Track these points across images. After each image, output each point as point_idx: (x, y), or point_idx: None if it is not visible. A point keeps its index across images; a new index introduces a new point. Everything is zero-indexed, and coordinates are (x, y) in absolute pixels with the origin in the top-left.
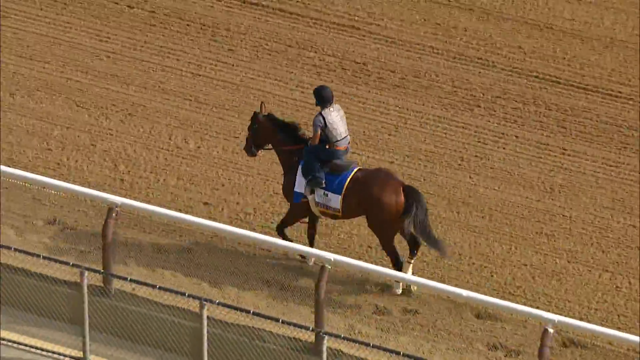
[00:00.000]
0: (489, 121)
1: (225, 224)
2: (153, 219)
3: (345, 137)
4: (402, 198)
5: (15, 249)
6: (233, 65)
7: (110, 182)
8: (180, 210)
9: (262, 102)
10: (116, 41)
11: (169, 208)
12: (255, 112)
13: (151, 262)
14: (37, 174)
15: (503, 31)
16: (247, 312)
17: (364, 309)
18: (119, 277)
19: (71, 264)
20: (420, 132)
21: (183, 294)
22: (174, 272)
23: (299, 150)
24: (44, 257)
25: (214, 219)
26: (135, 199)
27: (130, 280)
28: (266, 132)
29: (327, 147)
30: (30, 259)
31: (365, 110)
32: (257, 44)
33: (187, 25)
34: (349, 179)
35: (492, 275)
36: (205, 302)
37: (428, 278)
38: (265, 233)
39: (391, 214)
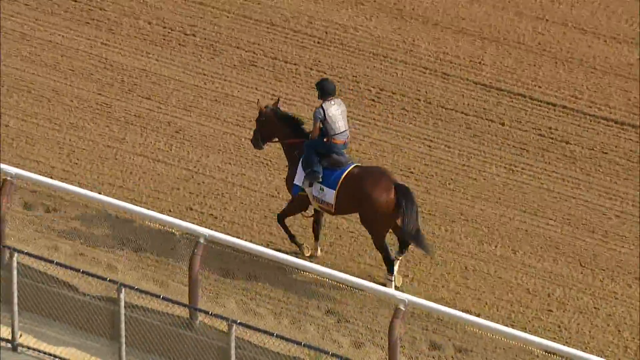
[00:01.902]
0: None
1: None
2: None
3: (344, 131)
4: (392, 196)
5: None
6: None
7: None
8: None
9: (278, 98)
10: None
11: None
12: (262, 106)
13: None
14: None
15: (503, 55)
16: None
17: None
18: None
19: (108, 279)
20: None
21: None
22: None
23: (301, 145)
24: (84, 272)
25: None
26: None
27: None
28: (271, 125)
29: (325, 140)
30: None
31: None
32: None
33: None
34: (344, 175)
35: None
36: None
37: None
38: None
39: (381, 211)
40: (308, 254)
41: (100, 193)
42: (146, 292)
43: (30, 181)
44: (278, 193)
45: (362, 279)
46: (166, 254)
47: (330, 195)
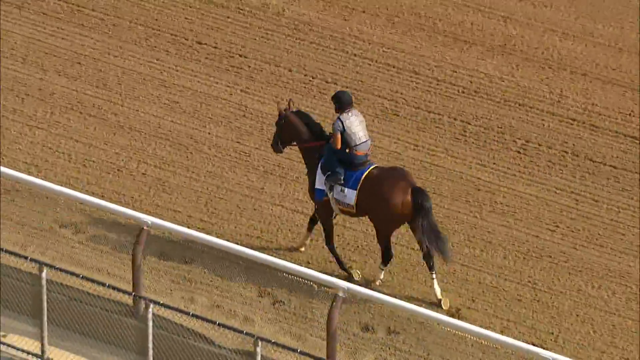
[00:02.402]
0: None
1: None
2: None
3: (365, 141)
4: (409, 198)
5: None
6: None
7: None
8: None
9: (290, 99)
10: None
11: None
12: (281, 108)
13: None
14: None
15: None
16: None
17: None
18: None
19: (133, 294)
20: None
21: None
22: None
23: (321, 148)
24: (110, 286)
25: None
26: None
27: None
28: (291, 128)
29: (347, 151)
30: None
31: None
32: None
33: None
34: (364, 176)
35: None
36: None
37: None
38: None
39: (395, 213)
40: (357, 279)
41: (237, 244)
42: (283, 346)
43: (167, 230)
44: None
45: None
46: (304, 307)
47: (351, 196)
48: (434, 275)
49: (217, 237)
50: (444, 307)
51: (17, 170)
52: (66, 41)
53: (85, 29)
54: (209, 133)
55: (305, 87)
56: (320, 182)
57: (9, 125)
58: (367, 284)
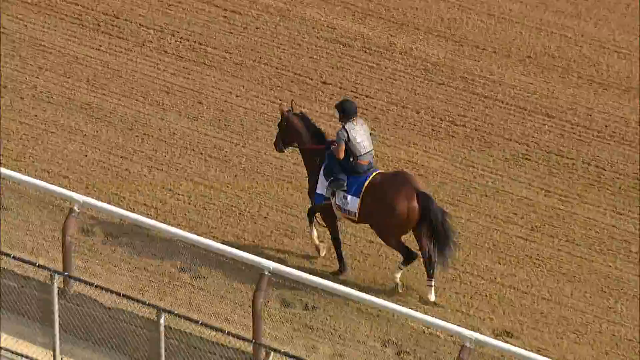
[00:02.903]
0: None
1: None
2: None
3: (369, 151)
4: (415, 204)
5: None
6: None
7: None
8: None
9: (292, 100)
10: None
11: None
12: (284, 110)
13: None
14: None
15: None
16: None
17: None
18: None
19: (253, 341)
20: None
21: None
22: None
23: (322, 152)
24: (229, 333)
25: None
26: None
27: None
28: (293, 130)
29: (350, 160)
30: None
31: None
32: None
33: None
34: (367, 182)
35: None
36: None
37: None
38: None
39: (401, 219)
40: (322, 253)
41: (361, 290)
42: None
43: (289, 276)
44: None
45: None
46: (429, 357)
47: (354, 203)
48: (433, 283)
49: (341, 283)
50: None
51: (137, 213)
52: (188, 80)
53: (206, 68)
54: None
55: (433, 129)
56: (322, 187)
57: (128, 166)
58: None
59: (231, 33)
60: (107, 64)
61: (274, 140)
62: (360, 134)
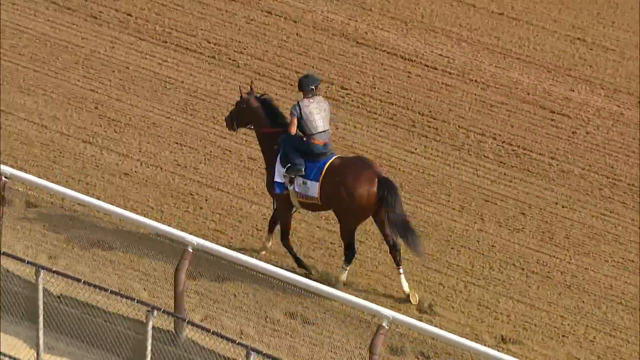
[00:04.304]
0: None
1: None
2: None
3: (323, 131)
4: (374, 189)
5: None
6: None
7: None
8: None
9: (251, 81)
10: None
11: None
12: (244, 91)
13: None
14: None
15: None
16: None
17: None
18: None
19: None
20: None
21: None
22: None
23: (279, 136)
24: (112, 292)
25: None
26: None
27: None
28: (251, 111)
29: (303, 139)
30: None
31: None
32: None
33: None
34: (326, 166)
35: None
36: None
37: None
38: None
39: (361, 204)
40: (316, 275)
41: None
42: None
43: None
44: None
45: None
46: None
47: (314, 188)
48: (401, 270)
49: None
50: (412, 302)
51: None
52: (509, 188)
53: (530, 175)
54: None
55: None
56: (279, 175)
57: (442, 280)
58: (329, 281)
59: (559, 138)
60: (424, 168)
61: (225, 116)
62: (313, 112)
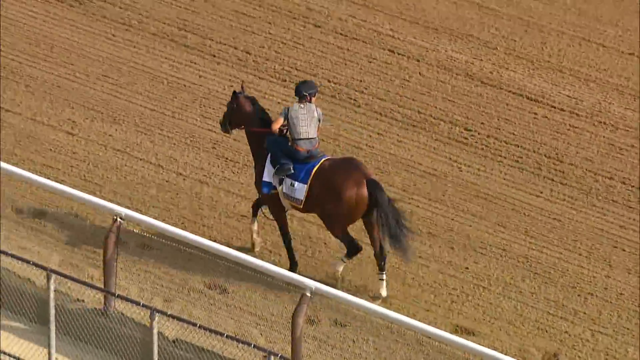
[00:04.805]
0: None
1: None
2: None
3: (306, 138)
4: (363, 191)
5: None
6: None
7: None
8: None
9: (242, 81)
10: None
11: None
12: (235, 91)
13: None
14: None
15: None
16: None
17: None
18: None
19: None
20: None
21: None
22: None
23: (266, 135)
24: (228, 336)
25: None
26: None
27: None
28: (242, 112)
29: (289, 143)
30: None
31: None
32: None
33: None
34: (315, 168)
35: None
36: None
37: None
38: None
39: (350, 206)
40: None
41: None
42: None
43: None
44: None
45: None
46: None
47: (301, 190)
48: (384, 277)
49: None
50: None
51: None
52: None
53: None
54: None
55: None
56: (268, 175)
57: (568, 328)
58: (332, 279)
59: None
60: (550, 212)
61: (220, 119)
62: (300, 117)
